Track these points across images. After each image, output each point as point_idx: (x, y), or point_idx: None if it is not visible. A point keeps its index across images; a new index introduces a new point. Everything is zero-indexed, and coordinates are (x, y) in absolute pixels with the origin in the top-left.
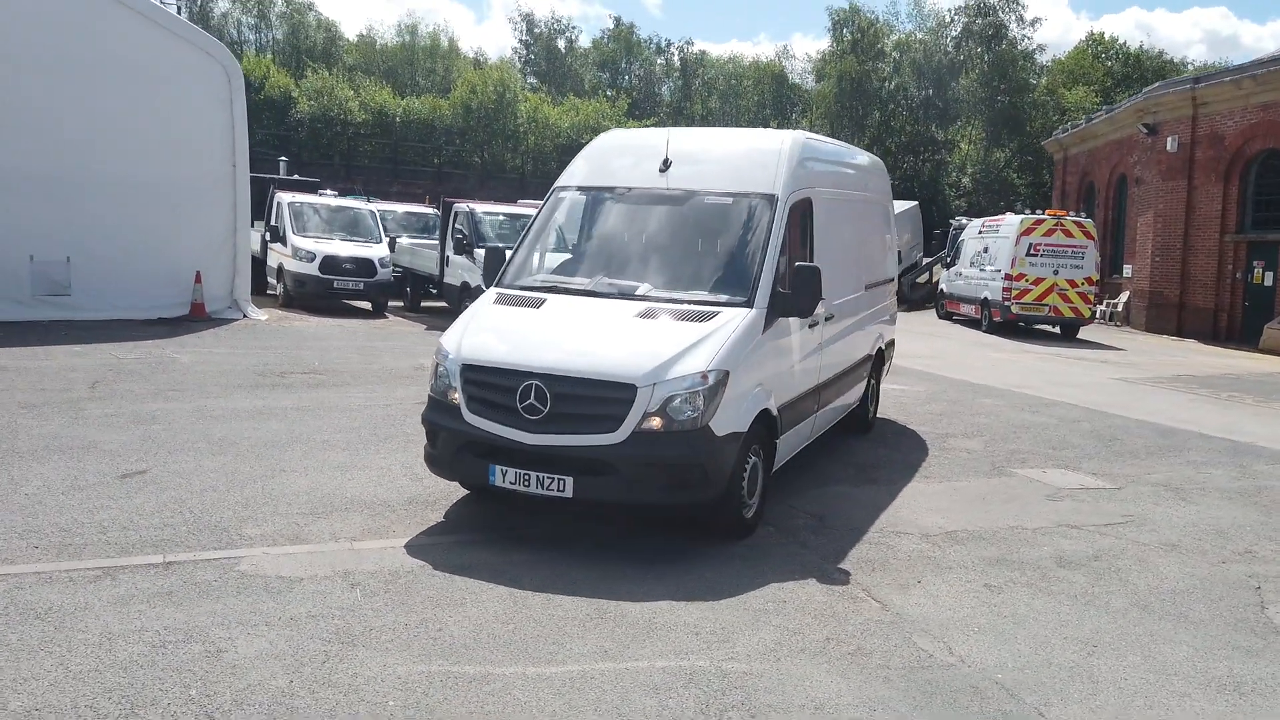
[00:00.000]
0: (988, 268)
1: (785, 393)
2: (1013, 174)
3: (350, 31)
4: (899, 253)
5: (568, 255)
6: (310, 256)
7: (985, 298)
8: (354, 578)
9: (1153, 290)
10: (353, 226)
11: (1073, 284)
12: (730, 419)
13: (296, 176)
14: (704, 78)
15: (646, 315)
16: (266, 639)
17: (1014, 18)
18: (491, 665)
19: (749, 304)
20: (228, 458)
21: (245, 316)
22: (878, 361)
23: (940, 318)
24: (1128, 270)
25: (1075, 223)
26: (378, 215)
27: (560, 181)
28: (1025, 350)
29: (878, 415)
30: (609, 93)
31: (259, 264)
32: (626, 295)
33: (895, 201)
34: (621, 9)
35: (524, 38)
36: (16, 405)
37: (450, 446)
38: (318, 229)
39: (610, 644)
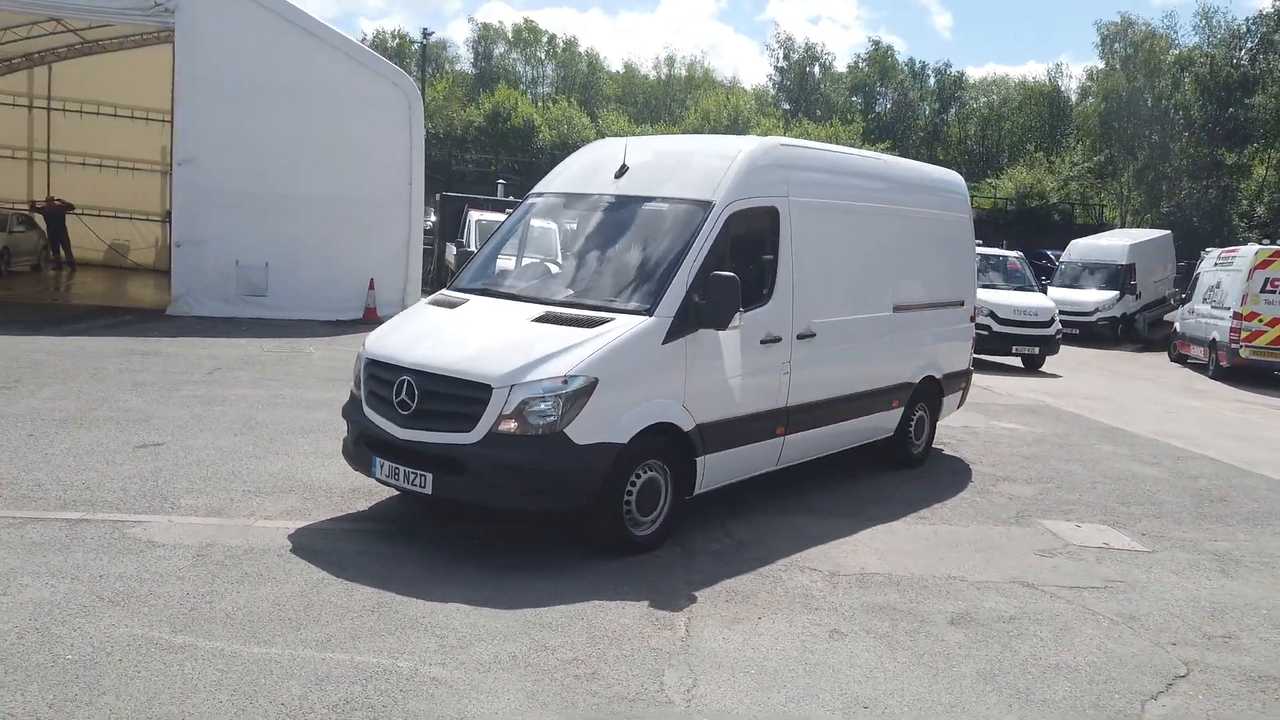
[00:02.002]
0: (1219, 306)
1: (715, 410)
2: None
3: (615, 64)
4: (1133, 285)
5: (532, 258)
6: None
7: (1213, 339)
8: (210, 550)
9: None
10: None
11: None
12: (599, 428)
13: (511, 198)
14: (962, 100)
15: (543, 319)
16: (54, 589)
17: None
18: (207, 639)
19: (650, 312)
20: (244, 438)
21: None
22: (928, 392)
23: (1172, 360)
24: None
25: None
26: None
27: (534, 188)
28: (1236, 399)
29: (934, 449)
30: (847, 116)
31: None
32: (541, 299)
33: (1144, 231)
34: (912, 36)
35: (779, 64)
36: (130, 383)
37: (353, 438)
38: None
39: (341, 635)
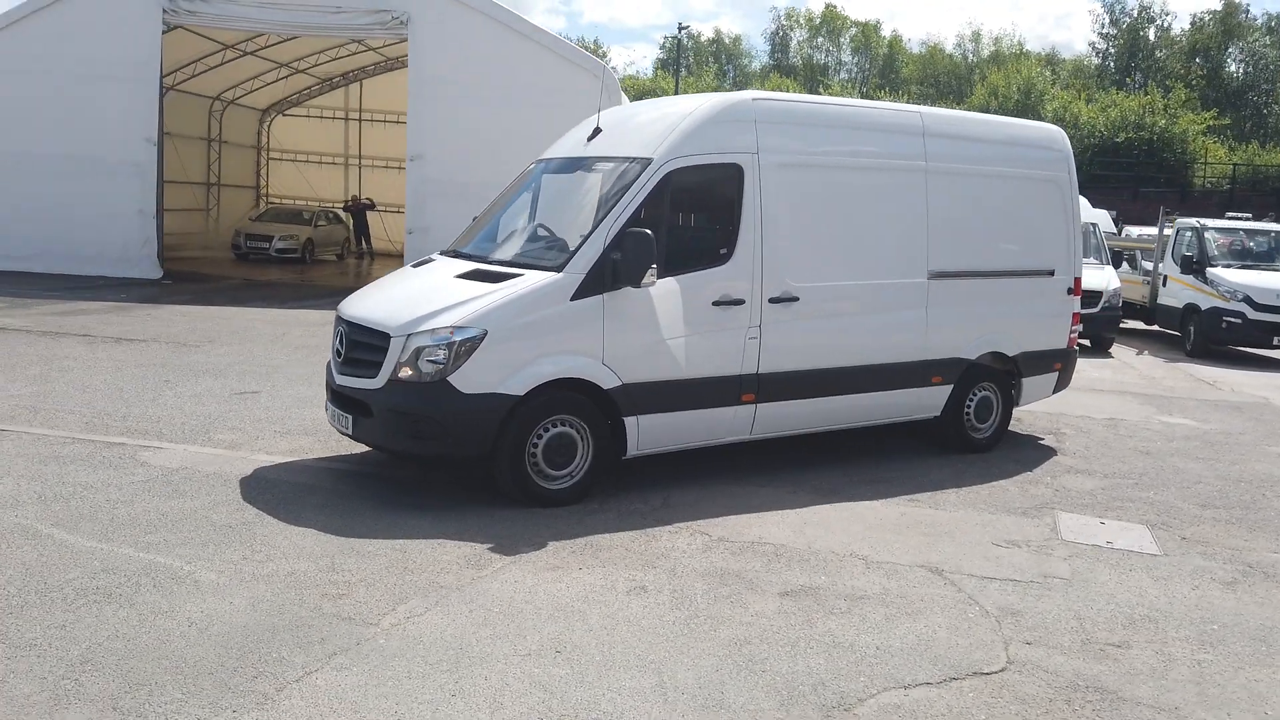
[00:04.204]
0: None
1: (649, 371)
2: None
3: (918, 45)
4: None
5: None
6: None
7: None
8: (178, 473)
9: None
10: None
11: None
12: (489, 379)
13: None
14: None
15: (465, 275)
16: (17, 488)
17: None
18: (68, 533)
19: (559, 269)
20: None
21: None
22: (995, 371)
23: None
24: None
25: None
26: None
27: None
28: None
29: (1032, 437)
30: (1166, 84)
31: None
32: (480, 259)
33: None
34: None
35: (1104, 30)
36: (294, 347)
37: (326, 387)
38: None
39: (173, 540)
